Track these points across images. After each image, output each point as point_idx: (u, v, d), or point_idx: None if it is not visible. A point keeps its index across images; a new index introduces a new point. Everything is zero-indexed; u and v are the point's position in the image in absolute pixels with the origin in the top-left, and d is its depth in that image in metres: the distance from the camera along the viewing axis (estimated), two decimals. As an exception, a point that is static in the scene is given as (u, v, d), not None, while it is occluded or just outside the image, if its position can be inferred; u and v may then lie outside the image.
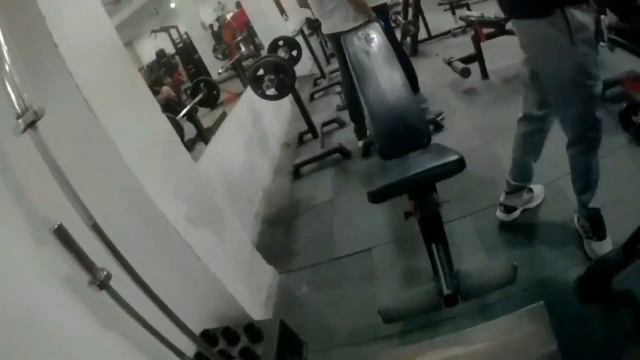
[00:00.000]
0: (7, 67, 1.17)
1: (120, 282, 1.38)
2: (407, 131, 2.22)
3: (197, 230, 2.13)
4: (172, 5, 4.75)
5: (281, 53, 4.32)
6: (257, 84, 3.58)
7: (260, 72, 3.57)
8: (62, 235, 1.25)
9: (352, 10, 3.41)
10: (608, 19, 3.08)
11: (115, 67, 2.02)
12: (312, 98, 6.13)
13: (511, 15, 2.05)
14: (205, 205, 2.32)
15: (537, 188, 2.61)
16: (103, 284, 1.33)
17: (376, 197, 1.91)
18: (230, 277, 2.26)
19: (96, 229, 1.30)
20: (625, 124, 2.89)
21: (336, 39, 3.36)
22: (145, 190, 1.85)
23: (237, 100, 4.70)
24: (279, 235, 3.35)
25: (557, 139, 2.19)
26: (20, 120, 1.15)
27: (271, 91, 3.53)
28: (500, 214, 2.56)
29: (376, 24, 2.96)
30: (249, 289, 2.45)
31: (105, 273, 1.34)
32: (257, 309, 2.42)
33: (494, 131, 3.35)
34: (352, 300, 2.50)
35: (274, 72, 3.55)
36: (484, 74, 4.35)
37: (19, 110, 1.15)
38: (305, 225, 3.36)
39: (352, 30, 2.98)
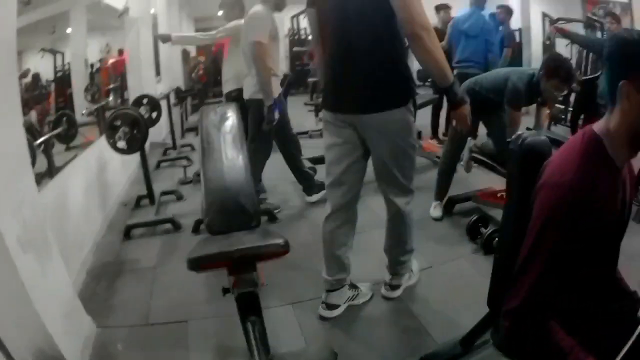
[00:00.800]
0: None
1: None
2: (237, 210, 2.26)
3: (26, 257, 2.03)
4: (69, 30, 4.59)
5: (142, 110, 4.39)
6: (111, 133, 3.59)
7: (117, 122, 3.60)
8: None
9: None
10: (473, 141, 3.57)
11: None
12: (158, 165, 6.20)
13: (368, 110, 2.31)
14: (38, 235, 2.22)
15: (364, 286, 2.81)
16: None
17: (195, 264, 1.90)
18: (50, 315, 2.15)
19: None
20: (473, 234, 3.29)
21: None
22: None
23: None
24: (101, 289, 3.20)
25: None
26: None
27: (122, 144, 3.55)
28: (322, 311, 2.66)
29: (234, 105, 3.04)
30: (67, 334, 2.32)
31: None
32: (74, 356, 2.32)
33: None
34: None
35: (130, 126, 3.62)
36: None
37: None
38: (126, 285, 3.28)
39: (212, 105, 3.11)
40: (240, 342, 2.14)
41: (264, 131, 3.90)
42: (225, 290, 2.07)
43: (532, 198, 1.30)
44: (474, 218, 3.30)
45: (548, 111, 3.57)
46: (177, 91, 7.14)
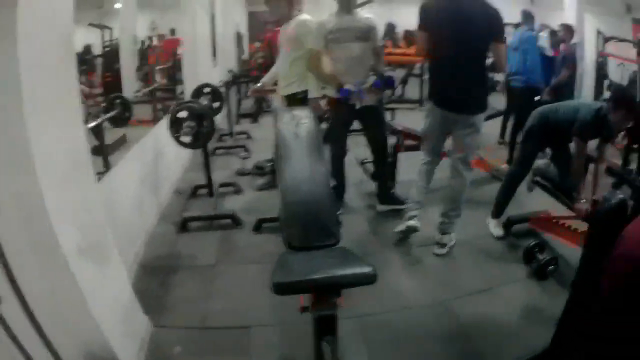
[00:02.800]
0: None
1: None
2: (318, 227, 2.23)
3: (85, 264, 1.93)
4: (117, 5, 4.53)
5: (204, 101, 4.22)
6: (175, 127, 3.44)
7: (182, 114, 3.44)
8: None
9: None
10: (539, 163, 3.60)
11: (57, 50, 1.82)
12: (214, 153, 6.02)
13: (463, 112, 3.36)
14: (96, 238, 2.11)
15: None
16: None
17: (282, 290, 1.88)
18: (108, 321, 2.07)
19: None
20: (528, 259, 3.29)
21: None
22: (45, 206, 1.65)
23: (138, 125, 4.51)
24: (155, 284, 3.12)
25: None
26: None
27: (187, 138, 3.40)
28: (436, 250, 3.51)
29: (309, 109, 2.98)
30: (124, 336, 2.25)
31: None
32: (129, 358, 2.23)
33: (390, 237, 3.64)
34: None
35: (196, 120, 3.44)
36: (393, 181, 4.50)
37: None
38: (183, 282, 3.19)
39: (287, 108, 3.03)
40: (307, 354, 2.04)
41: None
42: (304, 309, 2.05)
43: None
44: (532, 243, 3.31)
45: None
46: (234, 76, 6.94)
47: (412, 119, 7.43)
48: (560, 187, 3.63)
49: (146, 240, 3.67)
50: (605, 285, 1.43)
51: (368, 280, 1.90)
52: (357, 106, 3.83)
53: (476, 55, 3.25)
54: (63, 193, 1.80)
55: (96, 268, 2.06)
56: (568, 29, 6.52)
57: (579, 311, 1.78)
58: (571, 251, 3.25)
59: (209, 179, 4.22)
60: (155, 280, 3.17)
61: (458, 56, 3.19)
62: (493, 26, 3.20)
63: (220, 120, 7.15)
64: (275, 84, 4.37)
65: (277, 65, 4.36)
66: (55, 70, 1.76)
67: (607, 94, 7.21)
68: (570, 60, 6.25)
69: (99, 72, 5.95)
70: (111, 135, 4.00)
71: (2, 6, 1.41)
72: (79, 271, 1.83)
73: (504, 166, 5.26)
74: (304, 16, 3.88)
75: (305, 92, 3.94)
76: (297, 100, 3.91)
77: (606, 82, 7.77)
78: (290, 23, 3.90)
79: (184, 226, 3.93)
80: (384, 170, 4.28)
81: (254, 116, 7.98)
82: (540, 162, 3.79)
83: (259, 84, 4.87)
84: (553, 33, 6.95)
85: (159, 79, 6.48)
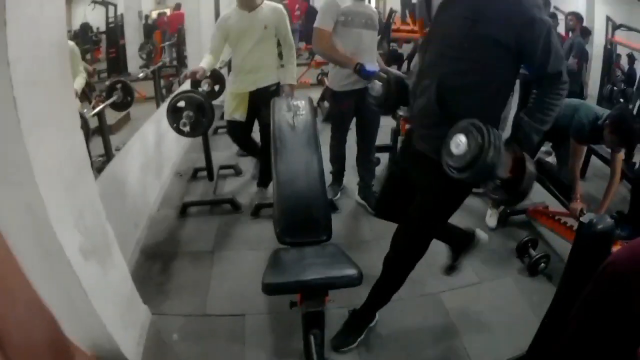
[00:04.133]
0: None
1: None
2: (310, 224, 2.34)
3: (87, 263, 2.03)
4: None
5: (204, 84, 4.29)
6: (174, 116, 3.51)
7: (181, 104, 3.52)
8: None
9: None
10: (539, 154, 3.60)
11: (51, 61, 1.84)
12: (215, 131, 6.07)
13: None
14: (99, 237, 2.22)
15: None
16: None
17: (271, 290, 2.06)
18: (111, 315, 2.18)
19: None
20: (521, 253, 3.39)
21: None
22: (49, 216, 1.75)
23: (143, 103, 4.69)
24: (155, 271, 3.27)
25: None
26: None
27: (186, 128, 3.48)
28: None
29: (308, 99, 3.01)
30: (125, 327, 2.38)
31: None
32: (131, 349, 2.36)
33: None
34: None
35: (195, 110, 3.51)
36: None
37: None
38: (182, 269, 3.32)
39: (283, 98, 3.04)
40: (297, 343, 2.24)
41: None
42: (292, 304, 2.22)
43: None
44: (525, 239, 3.38)
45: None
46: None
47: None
48: (556, 183, 3.67)
49: (148, 225, 3.79)
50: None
51: (353, 283, 2.04)
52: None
53: None
54: (65, 200, 1.90)
55: (99, 266, 2.16)
56: (576, 17, 6.39)
57: (550, 337, 1.84)
58: (566, 247, 3.26)
59: (209, 162, 4.29)
60: (155, 267, 3.30)
61: None
62: None
63: (222, 98, 7.22)
64: None
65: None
66: (50, 81, 1.80)
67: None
68: (578, 50, 6.11)
69: (103, 48, 6.03)
70: (115, 114, 4.11)
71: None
72: (82, 272, 1.93)
73: None
74: None
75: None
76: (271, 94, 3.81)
77: (618, 73, 7.65)
78: None
79: (184, 211, 4.04)
80: (370, 157, 4.19)
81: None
82: (542, 154, 3.78)
83: None
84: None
85: (164, 56, 6.46)
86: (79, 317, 2.03)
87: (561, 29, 6.98)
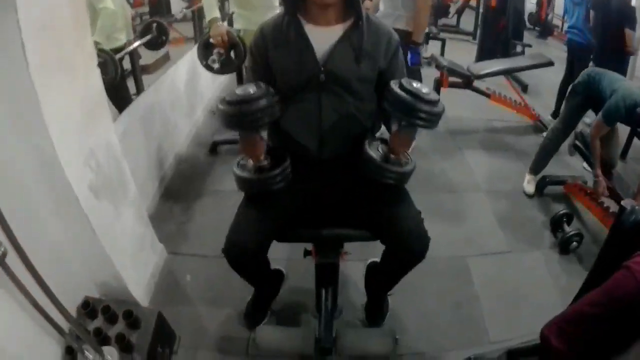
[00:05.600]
0: None
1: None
2: None
3: (99, 202, 2.03)
4: None
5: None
6: (205, 53, 3.43)
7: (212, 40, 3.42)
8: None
9: None
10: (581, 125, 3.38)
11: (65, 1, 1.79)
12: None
13: None
14: (113, 176, 2.20)
15: None
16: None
17: (285, 238, 1.97)
18: (121, 254, 2.21)
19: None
20: (555, 227, 3.20)
21: None
22: (57, 154, 1.72)
23: (182, 45, 4.57)
24: (178, 209, 3.28)
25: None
26: None
27: (216, 65, 3.40)
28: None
29: None
30: (136, 267, 2.41)
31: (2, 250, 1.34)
32: (140, 289, 2.40)
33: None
34: (230, 306, 2.50)
35: (227, 48, 3.41)
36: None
37: None
38: (206, 208, 3.30)
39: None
40: (310, 298, 2.18)
41: None
42: (307, 253, 2.17)
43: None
44: (561, 212, 3.21)
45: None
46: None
47: (463, 50, 7.21)
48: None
49: (175, 163, 3.78)
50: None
51: (370, 237, 1.91)
52: None
53: None
54: (76, 140, 1.88)
55: (110, 205, 2.16)
56: None
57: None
58: (600, 226, 3.20)
59: (243, 100, 4.16)
60: (178, 206, 3.30)
61: None
62: None
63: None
64: None
65: None
66: (61, 25, 1.76)
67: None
68: (633, 19, 5.50)
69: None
70: (153, 54, 4.06)
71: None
72: (91, 210, 1.94)
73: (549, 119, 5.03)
74: None
75: None
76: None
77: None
78: None
79: (213, 149, 4.01)
80: None
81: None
82: (584, 126, 3.55)
83: None
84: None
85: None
86: (85, 255, 2.07)
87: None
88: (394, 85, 1.62)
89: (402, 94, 1.57)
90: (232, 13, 4.01)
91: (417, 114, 1.56)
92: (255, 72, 1.83)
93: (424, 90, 1.59)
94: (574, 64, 5.00)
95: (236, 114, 1.61)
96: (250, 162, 1.79)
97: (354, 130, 1.84)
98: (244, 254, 1.83)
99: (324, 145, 1.82)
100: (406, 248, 1.81)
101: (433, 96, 1.59)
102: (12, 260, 1.41)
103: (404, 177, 1.77)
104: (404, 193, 1.91)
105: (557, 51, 7.11)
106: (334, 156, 1.85)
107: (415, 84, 1.60)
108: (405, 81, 1.61)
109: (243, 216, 1.89)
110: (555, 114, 5.05)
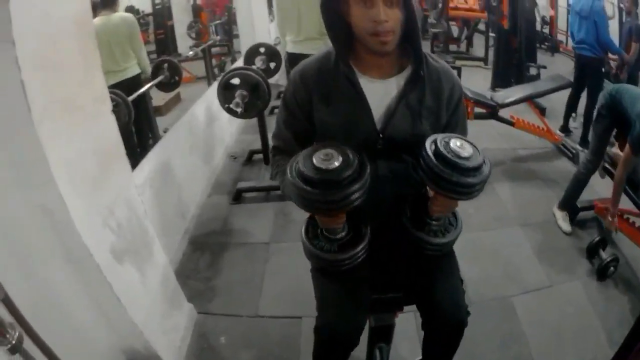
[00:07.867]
0: None
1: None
2: None
3: (122, 267, 1.82)
4: None
5: (258, 62, 3.99)
6: (226, 94, 3.24)
7: (235, 81, 3.24)
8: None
9: None
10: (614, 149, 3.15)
11: (69, 36, 1.60)
12: (272, 111, 5.74)
13: None
14: (136, 236, 1.99)
15: None
16: (15, 348, 1.18)
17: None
18: (149, 320, 2.00)
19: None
20: (591, 254, 3.08)
21: None
22: (71, 217, 1.52)
23: (194, 83, 4.57)
24: (204, 263, 3.05)
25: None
26: None
27: (240, 109, 3.20)
28: None
29: None
30: (166, 332, 2.19)
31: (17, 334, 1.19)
32: (171, 354, 2.18)
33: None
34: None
35: (249, 89, 3.23)
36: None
37: None
38: (234, 262, 3.07)
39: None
40: (360, 354, 1.92)
41: None
42: None
43: None
44: (596, 240, 3.08)
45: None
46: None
47: (478, 77, 7.11)
48: (630, 180, 3.11)
49: (197, 213, 3.57)
50: None
51: None
52: None
53: None
54: (91, 197, 1.67)
55: (134, 268, 1.95)
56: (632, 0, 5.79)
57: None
58: (633, 247, 3.03)
59: (265, 145, 4.01)
60: (204, 260, 3.08)
61: None
62: None
63: (278, 76, 6.92)
64: None
65: None
66: (66, 62, 1.57)
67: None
68: (637, 33, 5.45)
69: (152, 29, 5.97)
70: (163, 95, 3.91)
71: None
72: (114, 276, 1.73)
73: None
74: None
75: None
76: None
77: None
78: None
79: (238, 197, 3.81)
80: None
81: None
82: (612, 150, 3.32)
83: None
84: None
85: (213, 36, 6.35)
86: (111, 324, 1.86)
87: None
88: (429, 147, 1.32)
89: (436, 163, 1.29)
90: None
91: (453, 188, 1.31)
92: (291, 126, 1.52)
93: (464, 154, 1.30)
94: (584, 79, 4.97)
95: (321, 200, 1.27)
96: (325, 233, 1.48)
97: (408, 190, 1.56)
98: (349, 335, 1.63)
99: (379, 208, 1.53)
100: (440, 321, 1.59)
101: (474, 161, 1.30)
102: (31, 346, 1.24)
103: (444, 247, 1.52)
104: (445, 261, 1.64)
105: (565, 67, 7.06)
106: (386, 217, 1.57)
107: (455, 144, 1.32)
108: (442, 142, 1.32)
109: (329, 291, 1.67)
110: (583, 140, 4.88)
